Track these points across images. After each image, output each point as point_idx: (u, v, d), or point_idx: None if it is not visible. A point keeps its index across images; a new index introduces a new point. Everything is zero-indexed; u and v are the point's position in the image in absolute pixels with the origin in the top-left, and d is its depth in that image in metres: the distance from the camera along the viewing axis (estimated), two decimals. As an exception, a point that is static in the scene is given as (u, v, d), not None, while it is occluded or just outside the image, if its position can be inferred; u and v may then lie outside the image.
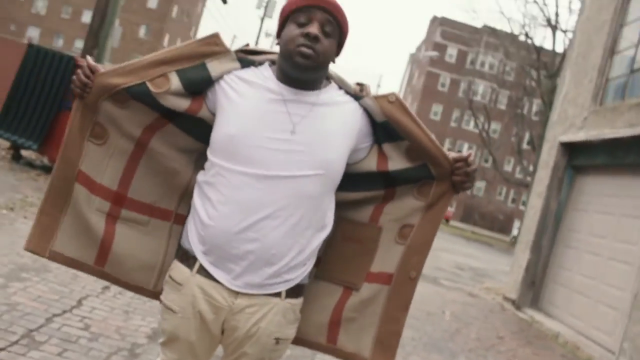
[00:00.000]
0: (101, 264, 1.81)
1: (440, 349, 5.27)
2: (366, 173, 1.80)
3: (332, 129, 1.67)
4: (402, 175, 1.79)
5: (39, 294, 3.85)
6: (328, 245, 1.85)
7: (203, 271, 1.65)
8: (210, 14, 74.85)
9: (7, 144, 9.39)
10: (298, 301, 1.74)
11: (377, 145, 1.80)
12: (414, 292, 1.79)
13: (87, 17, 57.32)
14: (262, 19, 34.83)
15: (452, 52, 60.32)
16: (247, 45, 1.78)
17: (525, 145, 32.57)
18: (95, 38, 11.39)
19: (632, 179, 7.25)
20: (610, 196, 7.71)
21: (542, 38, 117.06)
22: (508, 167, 52.23)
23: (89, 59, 1.71)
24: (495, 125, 47.57)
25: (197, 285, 1.65)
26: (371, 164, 1.79)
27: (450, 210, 47.11)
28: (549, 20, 27.76)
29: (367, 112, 1.75)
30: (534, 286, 8.77)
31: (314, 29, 1.59)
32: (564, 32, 27.07)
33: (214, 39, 1.72)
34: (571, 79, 9.34)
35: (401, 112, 1.72)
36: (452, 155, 1.73)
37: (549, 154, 9.22)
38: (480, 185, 53.82)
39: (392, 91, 1.75)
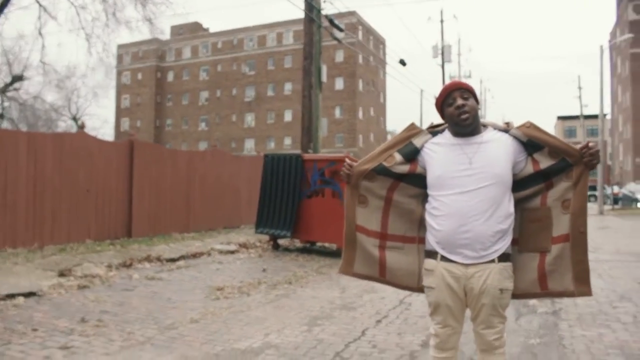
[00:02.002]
0: (383, 275, 3.04)
1: (694, 319, 5.43)
2: (529, 175, 2.80)
3: (495, 154, 2.72)
4: (551, 170, 2.76)
5: (334, 331, 5.15)
6: (520, 229, 2.82)
7: (443, 258, 2.70)
8: (392, 76, 78.13)
9: (266, 237, 11.49)
10: (508, 264, 2.72)
11: (530, 156, 2.80)
12: (587, 241, 2.71)
13: (288, 116, 64.13)
14: (442, 65, 35.88)
15: (654, 24, 54.64)
16: (432, 123, 2.95)
17: None
18: (308, 134, 13.48)
19: None
20: None
21: None
22: None
23: (347, 160, 2.98)
24: None
25: (442, 268, 2.70)
26: (529, 169, 2.79)
27: None
28: None
29: (516, 138, 2.77)
30: None
31: (459, 101, 2.70)
32: None
33: (412, 126, 2.97)
34: None
35: (536, 131, 2.74)
36: (578, 147, 2.68)
37: None
38: None
39: (527, 120, 2.79)
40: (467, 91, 2.75)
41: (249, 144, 67.56)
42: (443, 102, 2.78)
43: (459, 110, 2.70)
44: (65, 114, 48.02)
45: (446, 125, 2.86)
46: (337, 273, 3.13)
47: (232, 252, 10.33)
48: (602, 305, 6.20)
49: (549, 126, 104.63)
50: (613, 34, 63.84)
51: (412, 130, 2.93)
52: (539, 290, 2.81)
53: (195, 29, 75.91)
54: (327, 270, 8.76)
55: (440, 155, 2.77)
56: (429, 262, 2.80)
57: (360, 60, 61.34)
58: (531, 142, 2.74)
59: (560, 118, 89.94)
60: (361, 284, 7.58)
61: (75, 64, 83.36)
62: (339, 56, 60.24)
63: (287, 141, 64.40)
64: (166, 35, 73.35)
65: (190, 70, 73.55)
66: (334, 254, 10.31)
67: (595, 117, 46.49)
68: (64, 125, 48.93)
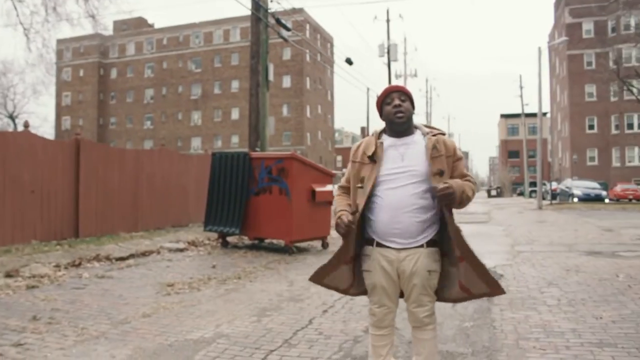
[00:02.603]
0: (347, 290, 3.32)
1: (609, 302, 5.98)
2: None
3: (421, 154, 3.04)
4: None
5: (282, 320, 5.41)
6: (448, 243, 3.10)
7: (379, 245, 3.04)
8: (339, 75, 78.84)
9: (215, 235, 11.63)
10: (435, 249, 3.06)
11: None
12: (476, 256, 3.01)
13: (235, 114, 63.86)
14: (389, 64, 36.58)
15: (587, 27, 57.15)
16: (375, 130, 3.23)
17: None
18: (256, 132, 13.67)
19: None
20: None
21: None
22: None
23: (344, 219, 3.09)
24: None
25: (377, 253, 3.02)
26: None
27: (639, 188, 43.61)
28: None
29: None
30: None
31: (397, 101, 3.00)
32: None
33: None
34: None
35: (436, 144, 3.06)
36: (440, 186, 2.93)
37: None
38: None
39: (442, 132, 3.16)
40: (404, 94, 3.10)
41: (196, 143, 66.95)
42: (383, 101, 3.12)
43: (395, 110, 3.04)
44: (1, 111, 46.39)
45: (383, 128, 3.19)
46: (308, 279, 3.37)
47: (182, 250, 10.44)
48: (531, 291, 6.69)
49: (493, 124, 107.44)
50: (552, 36, 66.46)
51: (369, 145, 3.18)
52: (466, 295, 3.18)
53: (139, 24, 74.49)
54: (275, 266, 9.01)
55: (383, 155, 3.08)
56: (367, 248, 3.12)
57: (308, 58, 61.69)
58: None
59: (504, 116, 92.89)
60: (308, 277, 7.87)
61: (12, 60, 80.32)
62: (287, 54, 60.45)
63: (235, 139, 64.16)
64: (109, 31, 71.93)
65: (135, 67, 72.17)
66: (282, 250, 10.56)
67: (536, 115, 48.41)
68: (0, 123, 47.28)
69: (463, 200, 2.99)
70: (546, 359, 4.15)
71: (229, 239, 11.53)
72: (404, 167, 3.00)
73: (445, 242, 3.08)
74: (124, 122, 72.32)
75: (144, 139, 69.07)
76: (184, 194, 14.61)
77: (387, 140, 3.11)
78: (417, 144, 3.07)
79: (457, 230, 2.98)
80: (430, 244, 3.03)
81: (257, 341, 4.72)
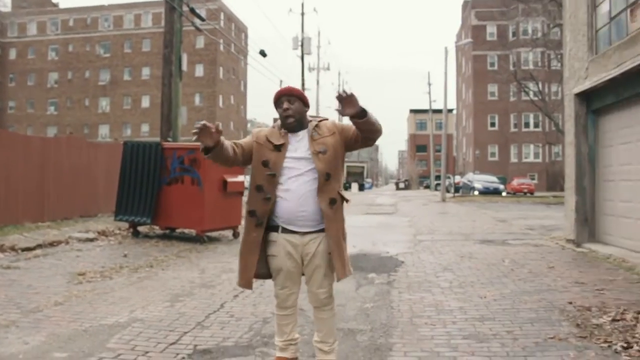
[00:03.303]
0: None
1: (494, 283, 6.68)
2: None
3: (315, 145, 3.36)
4: None
5: (195, 305, 5.65)
6: None
7: (284, 230, 3.34)
8: (252, 67, 78.39)
9: (126, 225, 11.55)
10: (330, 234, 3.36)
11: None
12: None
13: (146, 102, 62.02)
14: (302, 57, 36.99)
15: (491, 30, 60.32)
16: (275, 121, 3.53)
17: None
18: (168, 122, 13.61)
19: (635, 108, 8.36)
20: (625, 127, 8.82)
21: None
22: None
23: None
24: (556, 87, 47.23)
25: (283, 238, 3.34)
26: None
27: (533, 182, 46.83)
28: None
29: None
30: (587, 222, 9.87)
31: (285, 105, 3.34)
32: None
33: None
34: (570, 37, 10.49)
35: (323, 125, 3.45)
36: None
37: (569, 106, 10.37)
38: (557, 150, 52.92)
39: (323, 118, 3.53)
40: (293, 96, 3.38)
41: (104, 130, 64.41)
42: (275, 104, 3.42)
43: (285, 113, 3.35)
44: None
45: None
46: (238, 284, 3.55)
47: (92, 240, 10.32)
48: (428, 275, 7.29)
49: (403, 119, 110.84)
50: (459, 36, 69.51)
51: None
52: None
53: (42, 2, 70.46)
54: (187, 254, 9.16)
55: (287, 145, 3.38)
56: (272, 235, 3.39)
57: (222, 47, 60.99)
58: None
59: (413, 111, 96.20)
60: (219, 265, 8.13)
61: None
62: (200, 42, 59.36)
63: (145, 128, 62.35)
64: (7, 8, 67.51)
65: (37, 49, 68.19)
66: (194, 239, 10.70)
67: (442, 111, 50.60)
68: None
69: (372, 119, 3.15)
70: (435, 332, 4.68)
71: (140, 228, 11.50)
72: (300, 157, 3.31)
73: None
74: (24, 106, 68.21)
75: (47, 125, 65.58)
76: (93, 183, 14.31)
77: (288, 135, 3.41)
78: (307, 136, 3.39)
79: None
80: None
81: (171, 324, 4.94)
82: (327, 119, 3.53)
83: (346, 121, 3.41)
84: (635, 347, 4.11)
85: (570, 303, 5.60)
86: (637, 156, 8.30)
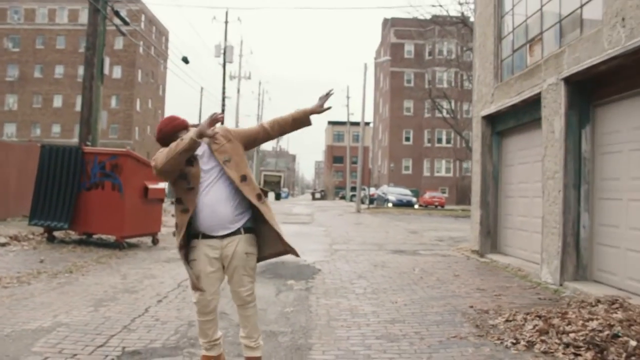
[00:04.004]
0: None
1: (404, 290, 7.22)
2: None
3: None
4: None
5: (119, 310, 5.77)
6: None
7: (204, 236, 3.61)
8: (173, 71, 77.09)
9: (40, 229, 11.27)
10: (251, 235, 3.69)
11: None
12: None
13: (58, 102, 59.39)
14: (224, 65, 36.95)
15: (409, 48, 62.59)
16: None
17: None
18: (87, 125, 13.40)
19: (532, 133, 9.25)
20: (523, 149, 9.72)
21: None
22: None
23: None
24: (467, 106, 49.74)
25: (203, 244, 3.62)
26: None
27: (444, 196, 49.04)
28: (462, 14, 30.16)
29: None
30: (490, 235, 10.73)
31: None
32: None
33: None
34: (479, 64, 11.40)
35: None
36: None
37: (477, 127, 11.25)
38: (466, 165, 55.66)
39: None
40: (176, 130, 3.64)
41: (10, 129, 60.96)
42: (173, 137, 3.62)
43: None
44: None
45: None
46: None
47: (3, 245, 10.01)
48: (344, 282, 7.73)
49: (321, 130, 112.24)
50: (379, 52, 71.63)
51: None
52: (282, 248, 3.84)
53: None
54: (107, 260, 9.13)
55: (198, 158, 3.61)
56: (193, 241, 3.65)
57: (141, 50, 59.60)
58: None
59: (331, 123, 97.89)
60: (140, 271, 8.20)
61: None
62: (119, 43, 57.71)
63: (56, 129, 59.66)
64: None
65: (-64, 39, 63.60)
66: (113, 245, 10.62)
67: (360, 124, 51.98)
68: None
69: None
70: (350, 333, 5.09)
71: (56, 233, 11.23)
72: (210, 168, 3.59)
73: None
74: None
75: (-55, 121, 61.33)
76: (4, 185, 13.77)
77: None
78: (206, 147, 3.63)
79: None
80: (247, 230, 3.67)
81: (97, 328, 5.06)
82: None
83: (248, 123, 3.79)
84: (522, 342, 4.73)
85: (472, 307, 6.20)
86: (533, 175, 9.17)
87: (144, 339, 4.77)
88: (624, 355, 4.42)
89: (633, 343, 4.61)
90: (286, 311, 5.94)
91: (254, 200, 3.61)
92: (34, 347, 4.46)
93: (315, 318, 5.67)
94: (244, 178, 3.60)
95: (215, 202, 3.54)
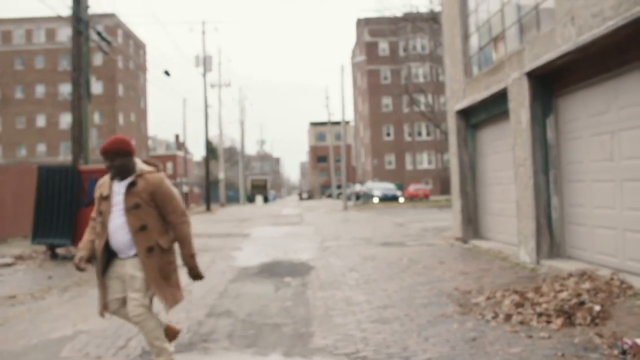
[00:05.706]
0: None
1: (394, 278, 7.79)
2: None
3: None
4: None
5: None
6: None
7: (117, 257, 4.18)
8: (153, 83, 77.02)
9: (42, 248, 11.68)
10: (137, 259, 4.12)
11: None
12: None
13: (41, 121, 59.23)
14: (204, 74, 37.35)
15: (384, 46, 63.26)
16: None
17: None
18: (79, 144, 13.81)
19: (502, 124, 9.88)
20: (496, 140, 10.35)
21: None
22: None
23: (76, 261, 4.29)
24: (444, 99, 50.44)
25: (115, 264, 4.19)
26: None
27: (428, 187, 49.87)
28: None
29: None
30: (471, 222, 11.36)
31: (107, 163, 4.05)
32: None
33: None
34: (449, 61, 12.02)
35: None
36: None
37: (452, 122, 11.88)
38: (447, 156, 56.44)
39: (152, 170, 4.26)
40: (113, 153, 3.99)
41: (-6, 150, 60.73)
42: (104, 159, 4.10)
43: (108, 170, 4.09)
44: None
45: None
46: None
47: (10, 265, 10.43)
48: (337, 276, 8.28)
49: (304, 131, 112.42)
50: (355, 51, 72.27)
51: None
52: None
53: None
54: (111, 273, 9.57)
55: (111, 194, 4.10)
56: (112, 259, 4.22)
57: (120, 64, 59.71)
58: None
59: (313, 124, 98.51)
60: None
61: None
62: (98, 59, 57.57)
63: (41, 148, 59.54)
64: None
65: None
66: (115, 258, 11.04)
67: (341, 123, 52.49)
68: None
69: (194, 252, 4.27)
70: (347, 320, 5.64)
71: (58, 250, 11.67)
72: (118, 203, 4.07)
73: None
74: None
75: None
76: (1, 207, 14.14)
77: (115, 182, 4.11)
78: (131, 183, 4.08)
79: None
80: (135, 255, 4.10)
81: (115, 332, 5.56)
82: (156, 172, 4.22)
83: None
84: (501, 316, 5.33)
85: (456, 289, 6.79)
86: (506, 164, 9.79)
87: (161, 338, 5.27)
88: (589, 318, 5.04)
89: (597, 308, 5.23)
90: (286, 305, 6.48)
91: (141, 253, 4.06)
92: (62, 353, 4.94)
93: (313, 309, 6.21)
94: (142, 227, 4.06)
95: (116, 229, 4.09)
